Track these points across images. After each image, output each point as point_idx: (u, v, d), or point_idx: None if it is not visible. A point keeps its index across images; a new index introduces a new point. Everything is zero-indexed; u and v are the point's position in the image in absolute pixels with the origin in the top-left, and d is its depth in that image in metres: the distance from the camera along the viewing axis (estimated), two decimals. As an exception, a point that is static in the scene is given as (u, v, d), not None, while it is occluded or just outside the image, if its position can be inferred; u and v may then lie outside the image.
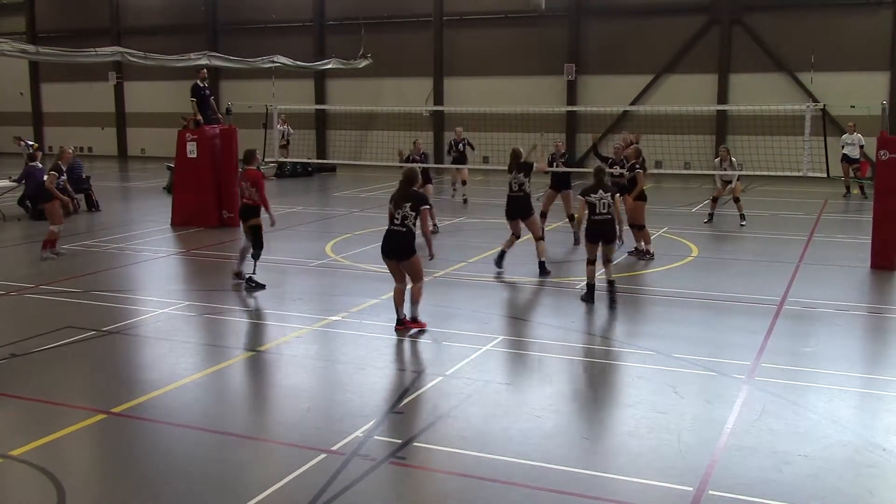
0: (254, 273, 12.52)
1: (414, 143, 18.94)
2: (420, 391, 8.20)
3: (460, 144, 22.74)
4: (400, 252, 9.93)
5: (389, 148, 18.47)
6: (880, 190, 13.81)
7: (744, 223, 17.68)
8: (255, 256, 12.62)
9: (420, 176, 10.32)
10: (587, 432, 7.27)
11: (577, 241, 15.40)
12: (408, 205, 9.85)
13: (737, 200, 17.86)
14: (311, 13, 34.23)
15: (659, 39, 29.27)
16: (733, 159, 17.86)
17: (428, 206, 10.09)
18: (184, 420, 7.60)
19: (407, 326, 10.11)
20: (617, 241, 11.70)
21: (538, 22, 30.89)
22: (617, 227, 11.61)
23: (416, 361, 9.27)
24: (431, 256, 10.34)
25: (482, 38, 31.76)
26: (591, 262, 11.48)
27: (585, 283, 11.57)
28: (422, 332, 10.07)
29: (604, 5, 30.27)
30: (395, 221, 9.92)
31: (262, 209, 12.55)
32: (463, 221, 18.85)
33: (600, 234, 11.38)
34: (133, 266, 14.49)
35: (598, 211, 11.31)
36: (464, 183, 22.06)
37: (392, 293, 10.26)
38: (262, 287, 12.39)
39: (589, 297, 11.44)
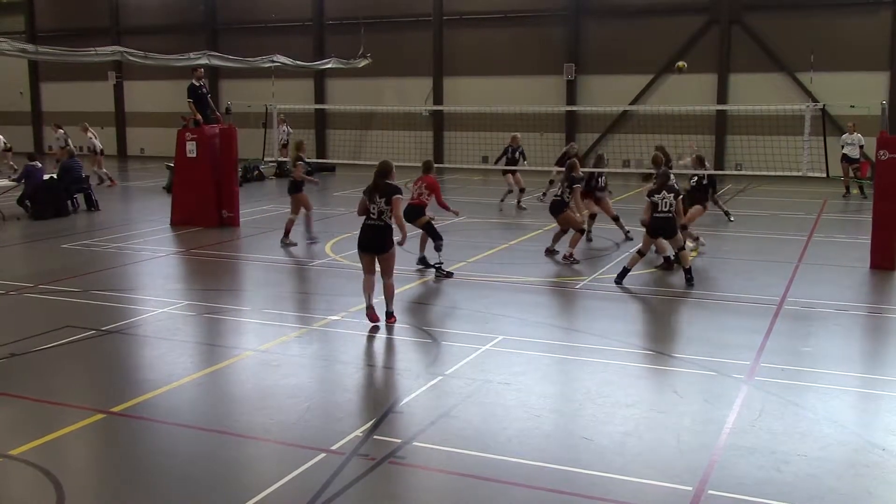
0: (441, 262, 13.27)
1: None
2: (419, 391, 8.20)
3: (517, 152, 21.15)
4: (379, 247, 10.11)
5: (389, 147, 18.44)
6: (880, 190, 13.81)
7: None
8: (438, 248, 13.34)
9: (393, 168, 10.38)
10: (587, 432, 7.27)
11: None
12: (382, 199, 10.02)
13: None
14: (310, 13, 34.23)
15: (658, 39, 29.27)
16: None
17: (400, 196, 10.14)
18: (183, 420, 7.60)
19: (389, 322, 10.33)
20: (677, 237, 12.49)
21: (538, 22, 30.93)
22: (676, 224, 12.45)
23: (415, 361, 9.27)
24: (402, 242, 10.36)
25: (482, 38, 31.76)
26: (641, 253, 12.60)
27: (623, 266, 12.57)
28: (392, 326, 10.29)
29: (603, 5, 30.28)
30: (372, 216, 10.10)
31: (426, 208, 13.48)
32: (463, 221, 18.84)
33: (660, 230, 12.40)
34: (132, 265, 14.49)
35: (659, 209, 12.32)
36: (522, 190, 20.94)
37: (362, 284, 10.41)
38: (451, 275, 13.12)
39: (620, 277, 12.41)
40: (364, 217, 10.26)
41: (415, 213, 13.28)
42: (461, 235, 17.21)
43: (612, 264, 14.04)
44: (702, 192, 15.26)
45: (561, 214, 14.30)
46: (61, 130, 26.26)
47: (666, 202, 12.30)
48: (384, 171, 10.23)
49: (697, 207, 14.87)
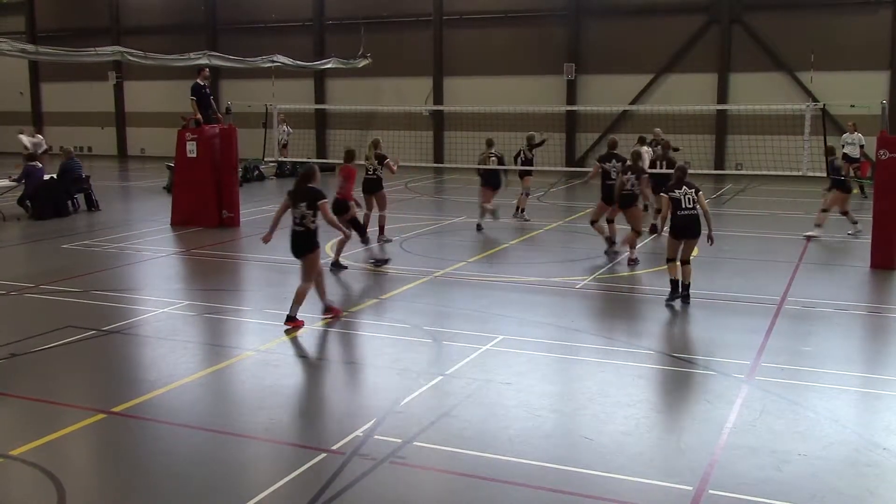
0: (375, 258, 13.60)
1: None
2: (420, 391, 8.20)
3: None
4: (301, 251, 10.16)
5: (389, 147, 18.30)
6: (880, 189, 13.81)
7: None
8: (365, 241, 13.70)
9: (318, 173, 10.38)
10: (587, 432, 7.27)
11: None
12: (304, 203, 9.98)
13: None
14: (310, 13, 34.24)
15: (659, 39, 29.28)
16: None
17: (325, 200, 10.16)
18: (184, 420, 7.61)
19: (292, 325, 10.19)
20: (699, 239, 11.42)
21: (538, 21, 30.94)
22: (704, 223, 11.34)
23: (415, 361, 9.26)
24: (347, 238, 10.45)
25: (482, 38, 31.77)
26: (671, 259, 11.40)
27: (669, 279, 11.43)
28: (297, 328, 10.17)
29: (603, 5, 30.27)
30: (295, 220, 10.09)
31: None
32: (463, 221, 18.85)
33: (686, 229, 11.24)
34: (133, 265, 14.49)
35: (683, 206, 11.23)
36: (527, 195, 19.13)
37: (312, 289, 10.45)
38: (383, 262, 13.54)
39: (673, 294, 11.34)
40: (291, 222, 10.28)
41: (340, 207, 13.14)
42: (461, 236, 17.22)
43: (612, 264, 14.04)
44: (841, 181, 15.97)
45: (629, 209, 13.93)
46: (39, 136, 26.12)
47: (688, 198, 11.21)
48: (307, 175, 10.21)
49: (841, 194, 15.92)
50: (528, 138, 19.10)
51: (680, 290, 11.33)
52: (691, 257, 11.51)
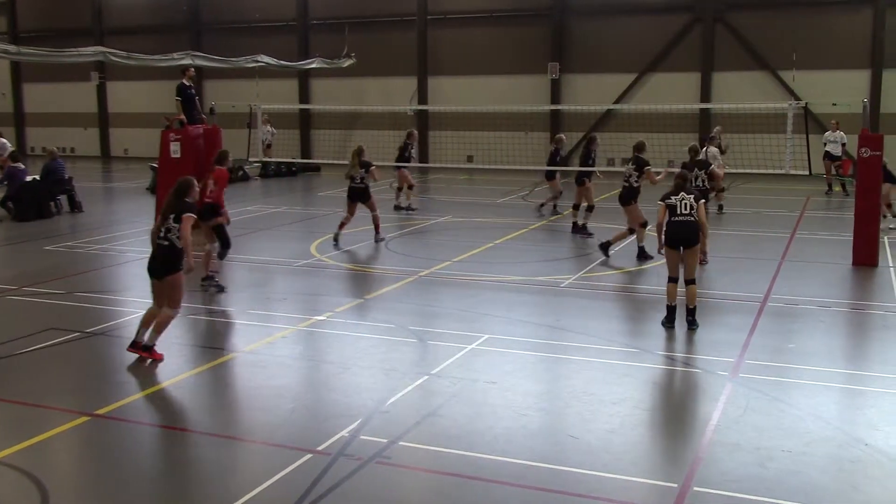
0: (214, 272, 12.55)
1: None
2: (406, 390, 8.21)
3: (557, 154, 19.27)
4: (160, 271, 9.19)
5: (373, 147, 18.21)
6: (862, 187, 13.92)
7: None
8: (222, 256, 12.66)
9: (195, 188, 9.48)
10: (573, 430, 7.29)
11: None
12: (172, 216, 9.11)
13: None
14: (294, 13, 34.15)
15: (642, 38, 29.37)
16: None
17: (192, 216, 9.17)
18: (169, 421, 7.58)
19: (139, 354, 9.20)
20: (699, 256, 10.38)
21: (522, 21, 30.98)
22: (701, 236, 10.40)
23: (401, 361, 9.26)
24: (188, 269, 9.24)
25: (466, 37, 31.78)
26: (672, 279, 10.31)
27: (666, 304, 10.39)
28: (156, 362, 9.09)
29: (587, 4, 30.35)
30: (160, 235, 9.16)
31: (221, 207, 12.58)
32: (449, 221, 18.85)
33: (680, 237, 10.18)
34: (116, 267, 14.43)
35: (678, 212, 10.19)
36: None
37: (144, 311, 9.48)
38: (223, 289, 12.36)
39: (670, 320, 10.29)
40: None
41: (209, 212, 12.33)
42: (447, 235, 17.22)
43: (597, 263, 14.08)
44: (887, 172, 15.78)
45: (628, 205, 14.19)
46: (2, 139, 25.79)
47: (685, 203, 10.18)
48: (181, 189, 9.30)
49: (887, 185, 15.70)
50: (556, 140, 19.43)
51: (686, 315, 10.25)
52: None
